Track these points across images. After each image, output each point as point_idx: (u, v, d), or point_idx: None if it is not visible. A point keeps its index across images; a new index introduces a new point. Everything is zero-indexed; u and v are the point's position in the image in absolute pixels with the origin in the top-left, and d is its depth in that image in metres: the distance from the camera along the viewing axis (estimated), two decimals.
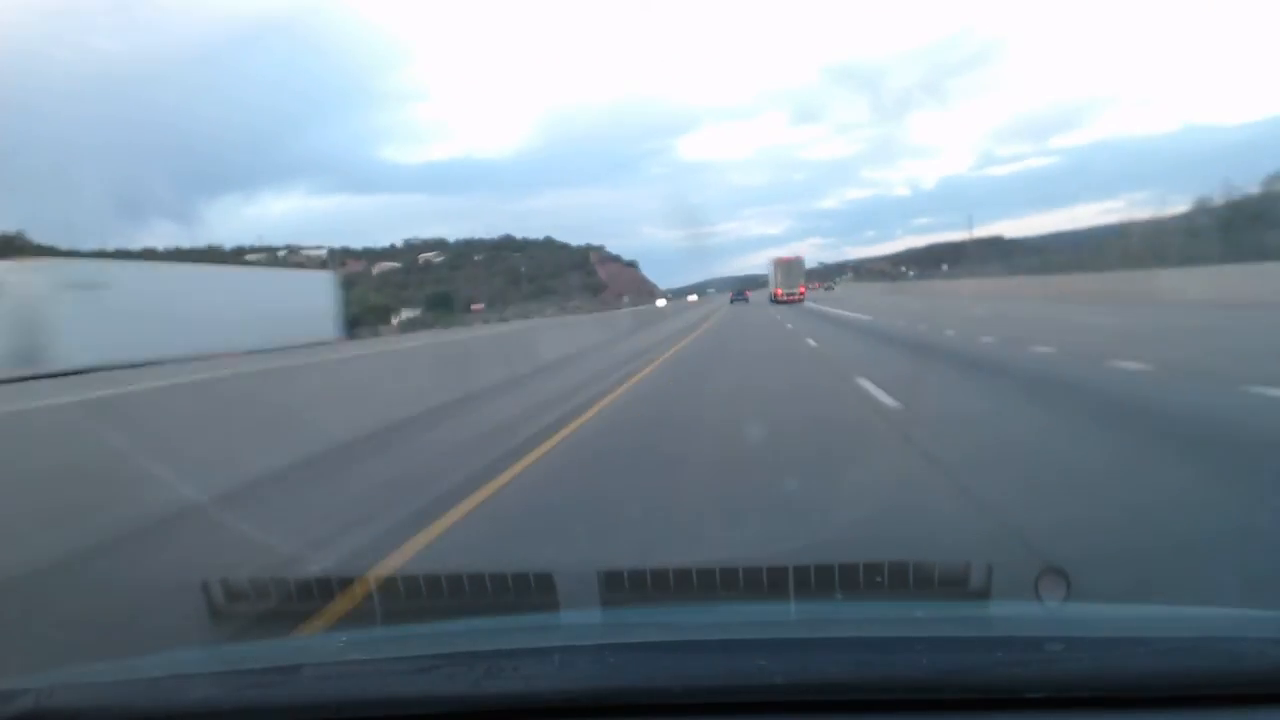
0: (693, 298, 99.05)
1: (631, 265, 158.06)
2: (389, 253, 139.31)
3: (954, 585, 2.63)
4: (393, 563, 4.10)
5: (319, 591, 3.36)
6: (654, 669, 1.54)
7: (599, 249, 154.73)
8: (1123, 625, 1.79)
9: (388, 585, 3.41)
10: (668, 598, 2.82)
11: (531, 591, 2.84)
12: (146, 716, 1.56)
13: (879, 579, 2.70)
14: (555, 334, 17.85)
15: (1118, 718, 1.36)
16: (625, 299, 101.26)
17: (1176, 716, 1.35)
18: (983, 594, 2.48)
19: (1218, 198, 41.80)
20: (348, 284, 64.37)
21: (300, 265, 71.15)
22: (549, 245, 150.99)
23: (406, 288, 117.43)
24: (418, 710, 1.49)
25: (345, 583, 3.42)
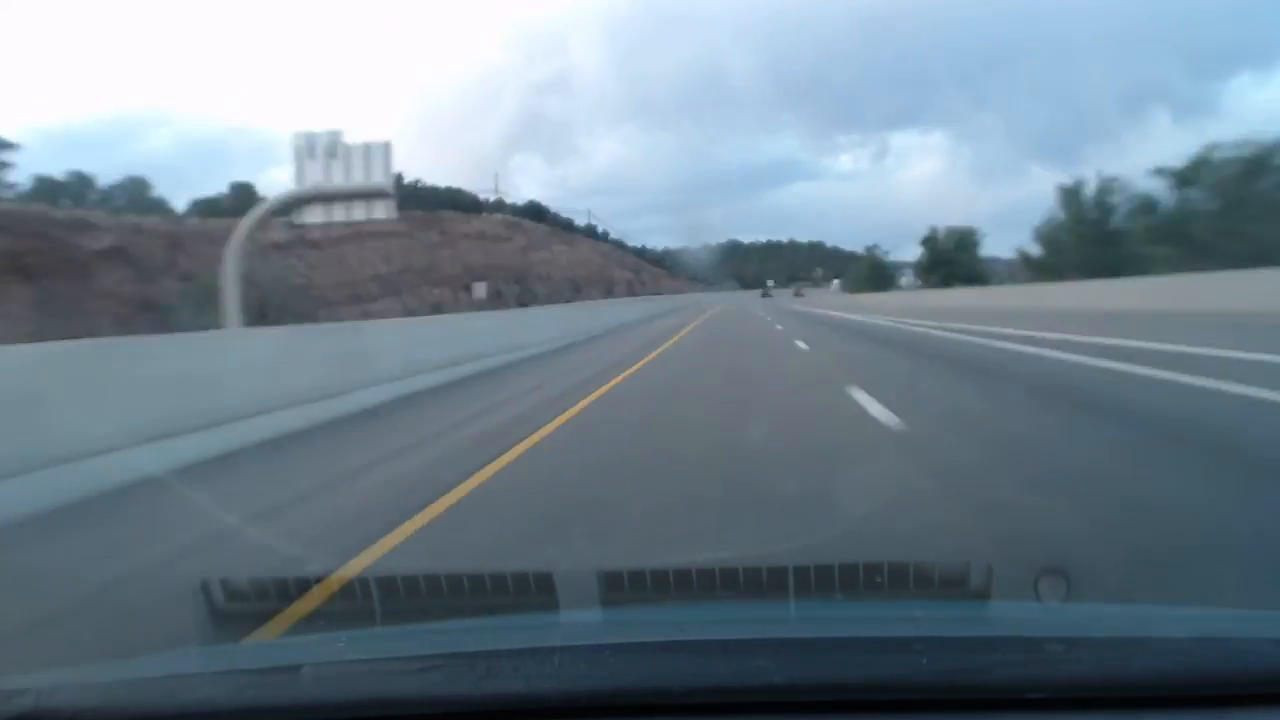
0: None
1: None
2: None
3: (954, 585, 2.63)
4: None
5: (319, 591, 3.36)
6: (654, 669, 1.54)
7: None
8: (1123, 625, 1.79)
9: (388, 585, 3.41)
10: (667, 597, 2.82)
11: (531, 591, 2.84)
12: (146, 716, 1.56)
13: (879, 579, 2.70)
14: None
15: (1118, 718, 1.36)
16: None
17: (1177, 717, 1.35)
18: (983, 594, 2.48)
19: None
20: None
21: None
22: None
23: None
24: (418, 710, 1.49)
25: (345, 582, 3.42)
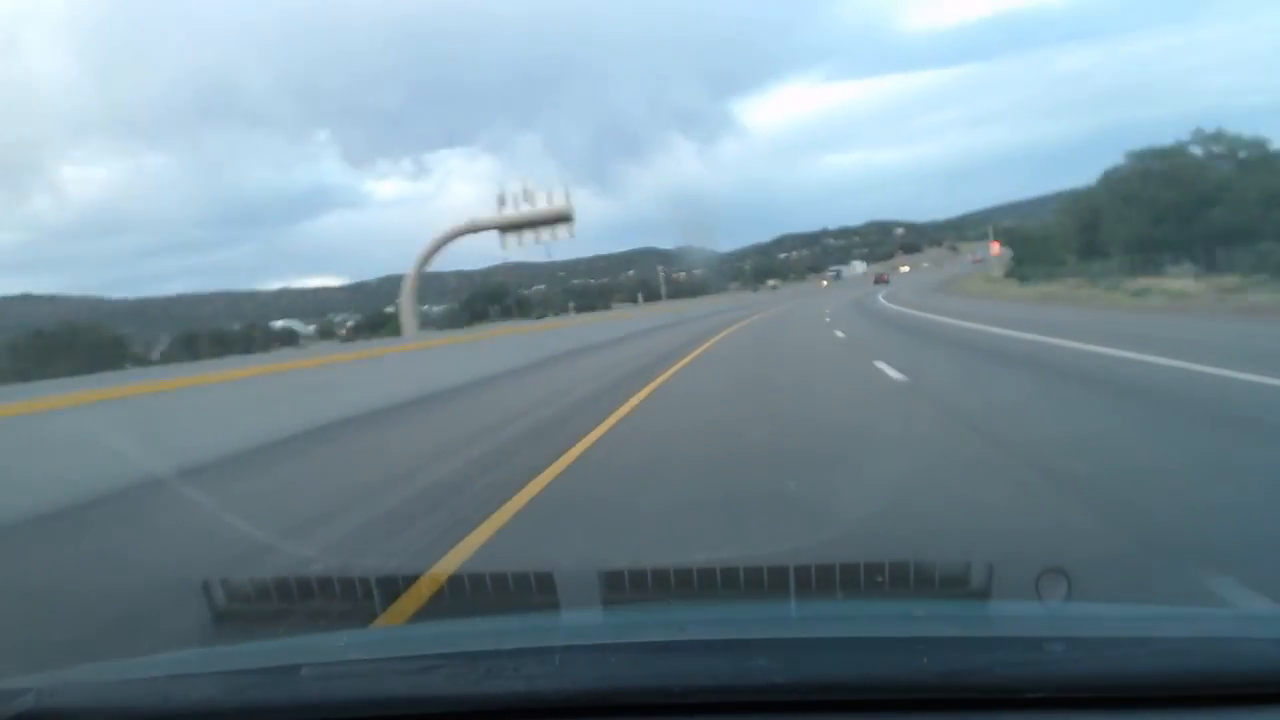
0: None
1: None
2: None
3: (954, 585, 2.63)
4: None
5: (319, 591, 3.36)
6: (655, 669, 1.54)
7: None
8: (1123, 625, 1.79)
9: (388, 585, 3.41)
10: (668, 597, 2.82)
11: (532, 591, 2.84)
12: (146, 716, 1.56)
13: (879, 578, 2.70)
14: None
15: (1118, 718, 1.36)
16: None
17: (1177, 716, 1.35)
18: (983, 594, 2.48)
19: None
20: None
21: None
22: None
23: None
24: (418, 710, 1.49)
25: (345, 582, 3.42)
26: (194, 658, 2.20)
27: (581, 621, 2.41)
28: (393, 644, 2.05)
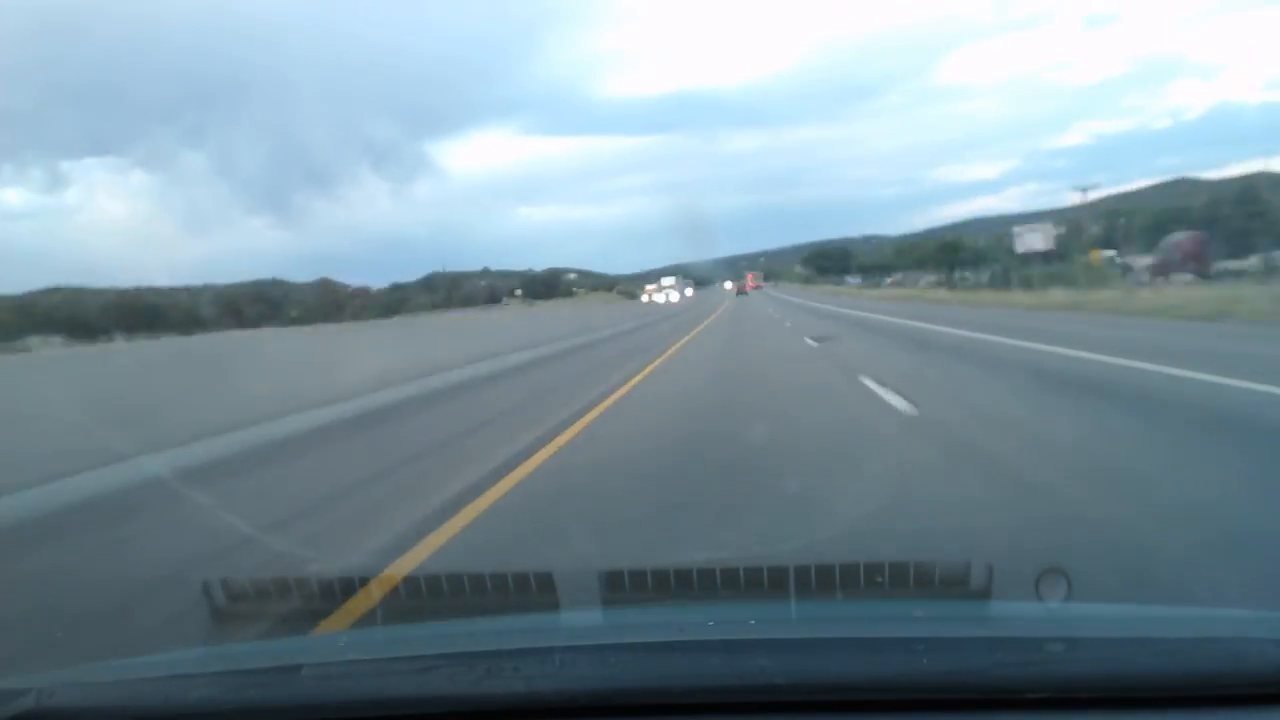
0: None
1: None
2: None
3: (954, 585, 2.63)
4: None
5: (319, 591, 3.36)
6: (655, 669, 1.54)
7: None
8: (1124, 625, 1.79)
9: (388, 585, 3.41)
10: (668, 597, 2.82)
11: (532, 591, 2.84)
12: (146, 716, 1.56)
13: (879, 579, 2.70)
14: None
15: (1118, 718, 1.36)
16: None
17: (1177, 716, 1.35)
18: (983, 594, 2.48)
19: None
20: None
21: None
22: None
23: None
24: (418, 710, 1.49)
25: (346, 582, 3.42)
26: (194, 658, 2.20)
27: (581, 621, 2.41)
28: (393, 644, 2.05)
